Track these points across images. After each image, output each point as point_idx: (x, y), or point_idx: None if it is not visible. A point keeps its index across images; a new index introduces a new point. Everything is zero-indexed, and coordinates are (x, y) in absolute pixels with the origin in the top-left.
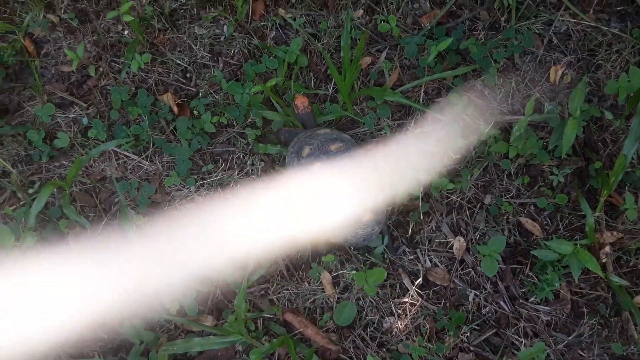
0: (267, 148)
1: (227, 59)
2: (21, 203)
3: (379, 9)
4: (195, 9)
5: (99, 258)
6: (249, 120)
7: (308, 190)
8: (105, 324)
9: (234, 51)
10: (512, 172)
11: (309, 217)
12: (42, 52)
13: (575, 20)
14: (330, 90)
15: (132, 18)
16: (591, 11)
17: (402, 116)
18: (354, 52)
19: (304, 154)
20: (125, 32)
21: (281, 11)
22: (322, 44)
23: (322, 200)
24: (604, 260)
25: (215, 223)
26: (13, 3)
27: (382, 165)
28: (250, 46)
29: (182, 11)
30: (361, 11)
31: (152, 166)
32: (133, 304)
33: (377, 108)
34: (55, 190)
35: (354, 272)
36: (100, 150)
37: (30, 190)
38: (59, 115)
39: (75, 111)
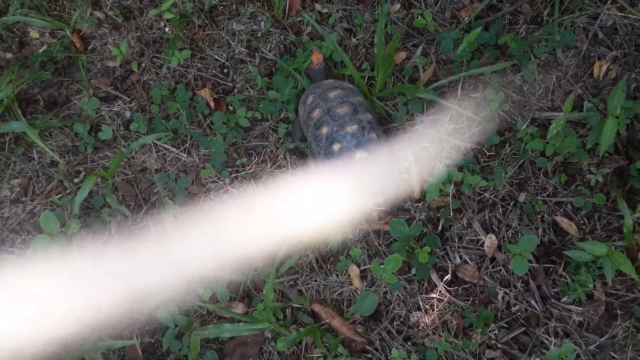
0: (295, 144)
1: (264, 55)
2: (67, 192)
3: (416, 3)
4: (234, 5)
5: (138, 245)
6: (283, 115)
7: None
8: (142, 308)
9: (270, 47)
10: (548, 170)
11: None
12: (89, 47)
13: (622, 14)
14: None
15: (173, 15)
16: None
17: (436, 112)
18: (388, 48)
19: (308, 102)
20: (167, 29)
21: (317, 6)
22: (358, 39)
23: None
24: None
25: (248, 214)
26: (62, 0)
27: (411, 156)
28: (287, 42)
29: (221, 7)
30: (398, 5)
31: (190, 159)
32: (169, 289)
33: (408, 103)
34: (98, 180)
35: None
36: (141, 143)
37: (76, 180)
38: (104, 108)
39: (118, 105)
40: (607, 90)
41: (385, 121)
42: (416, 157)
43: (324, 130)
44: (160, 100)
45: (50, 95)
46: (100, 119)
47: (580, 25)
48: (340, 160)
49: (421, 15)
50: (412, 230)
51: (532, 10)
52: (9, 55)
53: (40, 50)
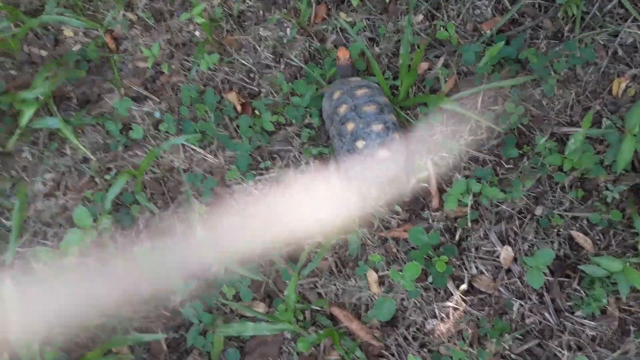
0: (320, 150)
1: (289, 61)
2: (98, 188)
3: (439, 15)
4: (261, 11)
5: (165, 241)
6: (306, 121)
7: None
8: (167, 304)
9: (295, 53)
10: (565, 185)
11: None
12: (121, 48)
13: None
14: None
15: (204, 20)
16: None
17: (455, 123)
18: (412, 57)
19: (335, 97)
20: (197, 33)
21: (342, 15)
22: (381, 49)
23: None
24: None
25: (270, 215)
26: (97, 1)
27: (431, 165)
28: (311, 49)
29: (249, 13)
30: (421, 16)
31: (216, 160)
32: (193, 286)
33: (429, 113)
34: (129, 178)
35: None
36: (171, 144)
37: (107, 177)
38: (134, 108)
39: (148, 105)
40: (625, 108)
41: (405, 129)
42: (435, 166)
43: (350, 126)
44: (189, 102)
45: (83, 93)
46: (131, 117)
47: (600, 42)
48: (362, 157)
49: (444, 27)
50: (431, 239)
51: (552, 26)
52: (43, 53)
53: (75, 49)
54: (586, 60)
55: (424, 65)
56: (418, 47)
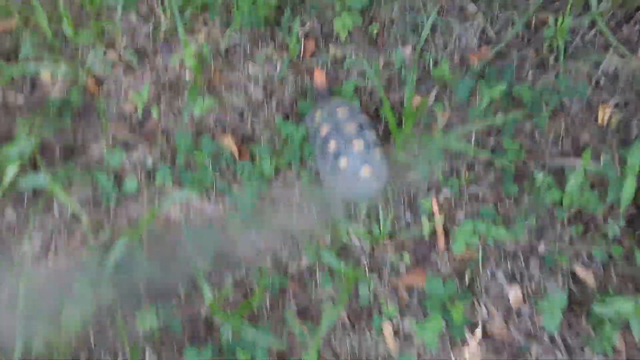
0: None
1: (280, 97)
2: (93, 249)
3: (426, 47)
4: (248, 47)
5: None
6: (304, 162)
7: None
8: None
9: (285, 91)
10: (565, 220)
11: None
12: (103, 90)
13: (623, 61)
14: (380, 130)
15: (195, 62)
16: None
17: (452, 159)
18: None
19: (316, 118)
20: (185, 73)
21: (331, 49)
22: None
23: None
24: None
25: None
26: (74, 41)
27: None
28: (303, 85)
29: (236, 49)
30: (410, 48)
31: (216, 209)
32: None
33: (429, 151)
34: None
35: (414, 323)
36: (171, 201)
37: (102, 235)
38: (124, 153)
39: (139, 152)
40: (611, 137)
41: (405, 170)
42: (439, 207)
43: (332, 145)
44: (184, 150)
45: (67, 141)
46: (122, 166)
47: (585, 71)
48: (345, 175)
49: (435, 60)
50: (447, 288)
51: (537, 56)
52: (20, 100)
53: (55, 94)
54: (579, 95)
55: (417, 99)
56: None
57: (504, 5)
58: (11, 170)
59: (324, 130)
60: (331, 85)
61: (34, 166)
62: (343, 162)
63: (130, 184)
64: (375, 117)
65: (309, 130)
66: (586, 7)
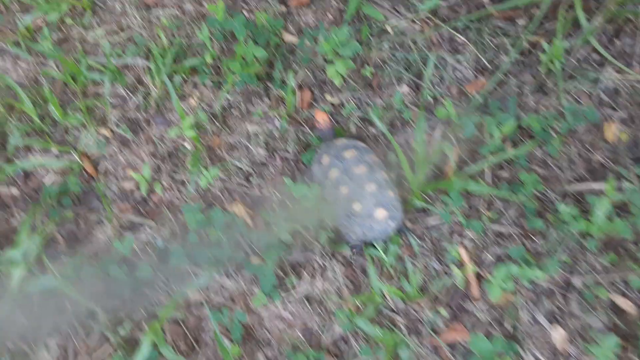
0: (338, 247)
1: (283, 154)
2: (114, 349)
3: (422, 84)
4: (243, 104)
5: None
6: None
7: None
8: None
9: (288, 146)
10: (595, 249)
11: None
12: (100, 169)
13: (621, 76)
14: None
15: (195, 133)
16: (636, 65)
17: (470, 199)
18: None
19: (324, 162)
20: (186, 144)
21: (328, 97)
22: (376, 129)
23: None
24: None
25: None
26: (62, 122)
27: (464, 253)
28: (305, 137)
29: (231, 109)
30: (405, 87)
31: (235, 285)
32: None
33: (449, 197)
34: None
35: None
36: (191, 287)
37: (121, 331)
38: (130, 235)
39: (146, 231)
40: (624, 153)
41: (424, 216)
42: (466, 251)
43: (343, 190)
44: (195, 226)
45: (70, 230)
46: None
47: (585, 90)
48: (360, 219)
49: (433, 96)
50: (495, 345)
51: (535, 80)
52: (14, 191)
53: (50, 182)
54: (590, 120)
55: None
56: (413, 122)
57: (493, 32)
58: (17, 274)
59: (334, 174)
60: (334, 125)
61: (40, 265)
62: (357, 207)
63: (143, 270)
64: (383, 159)
65: (316, 173)
66: (575, 25)
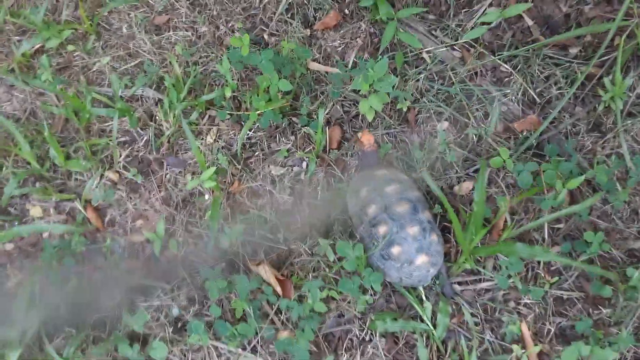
0: (386, 324)
1: (313, 202)
2: None
3: (464, 120)
4: (266, 142)
5: None
6: (363, 287)
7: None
8: None
9: (317, 192)
10: None
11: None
12: (106, 219)
13: None
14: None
15: (215, 183)
16: None
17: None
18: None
19: (362, 194)
20: (206, 195)
21: (359, 134)
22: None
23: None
24: None
25: None
26: (64, 167)
27: (525, 329)
28: (335, 180)
29: (253, 148)
30: (446, 123)
31: None
32: None
33: (506, 259)
34: None
35: None
36: None
37: None
38: (141, 303)
39: (159, 296)
40: None
41: (473, 278)
42: (524, 320)
43: (381, 229)
44: (217, 296)
45: (74, 299)
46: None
47: None
48: (398, 264)
49: (476, 135)
50: None
51: (588, 117)
52: (9, 246)
53: (49, 236)
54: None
55: (468, 185)
56: (456, 165)
57: (542, 61)
58: (13, 358)
59: (372, 210)
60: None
61: (40, 347)
62: (396, 250)
63: (159, 350)
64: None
65: (351, 205)
66: (636, 55)
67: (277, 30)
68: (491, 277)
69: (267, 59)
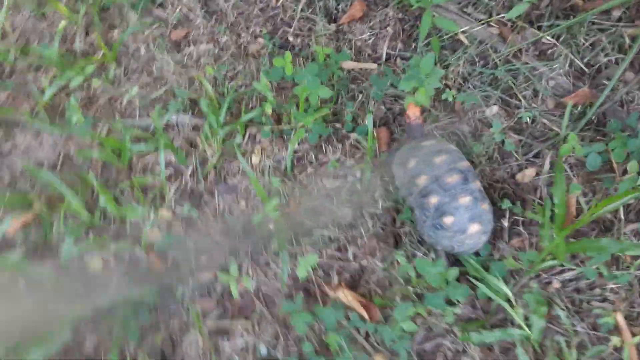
0: (482, 335)
1: (374, 211)
2: None
3: (513, 100)
4: (313, 155)
5: None
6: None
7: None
8: None
9: (377, 198)
10: None
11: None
12: (169, 261)
13: None
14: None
15: (278, 211)
16: None
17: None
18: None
19: (410, 165)
20: (271, 226)
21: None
22: (480, 168)
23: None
24: None
25: None
26: (113, 212)
27: None
28: (392, 187)
29: (301, 162)
30: (495, 107)
31: None
32: None
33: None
34: None
35: None
36: None
37: None
38: (224, 343)
39: (241, 335)
40: None
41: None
42: (621, 314)
43: (433, 200)
44: (305, 330)
45: (153, 346)
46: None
47: None
48: (450, 233)
49: (532, 118)
50: None
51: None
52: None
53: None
54: None
55: (531, 172)
56: (516, 153)
57: (586, 28)
58: None
59: (422, 180)
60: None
61: None
62: (448, 220)
63: None
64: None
65: (399, 176)
66: None
67: (301, 30)
68: (572, 268)
69: (313, 74)
